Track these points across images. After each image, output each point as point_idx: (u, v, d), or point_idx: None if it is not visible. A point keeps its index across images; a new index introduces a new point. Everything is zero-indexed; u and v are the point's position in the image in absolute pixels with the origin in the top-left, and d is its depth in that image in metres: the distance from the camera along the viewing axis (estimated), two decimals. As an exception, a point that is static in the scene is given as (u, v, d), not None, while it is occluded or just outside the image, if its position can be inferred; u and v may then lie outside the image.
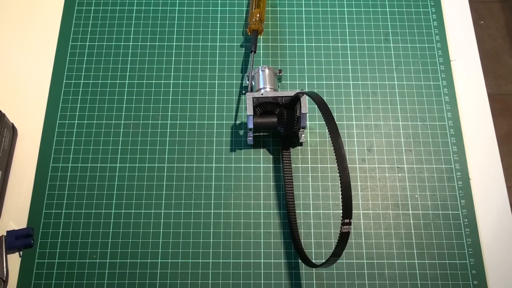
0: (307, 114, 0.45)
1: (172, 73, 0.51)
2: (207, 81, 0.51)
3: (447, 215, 0.45)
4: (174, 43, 0.53)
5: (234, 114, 0.49)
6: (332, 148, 0.35)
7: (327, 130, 0.43)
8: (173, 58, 0.52)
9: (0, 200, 0.45)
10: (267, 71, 0.47)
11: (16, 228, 0.44)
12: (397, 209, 0.46)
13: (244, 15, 0.54)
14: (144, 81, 0.51)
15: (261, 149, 0.48)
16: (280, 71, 0.48)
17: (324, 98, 0.47)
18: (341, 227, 0.34)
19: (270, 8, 0.55)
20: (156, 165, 0.47)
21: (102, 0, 0.55)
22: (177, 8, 0.55)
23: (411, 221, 0.45)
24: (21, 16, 0.54)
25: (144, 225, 0.45)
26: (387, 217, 0.45)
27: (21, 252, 0.44)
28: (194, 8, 0.55)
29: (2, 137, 0.45)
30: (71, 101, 0.50)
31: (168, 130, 0.49)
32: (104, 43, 0.53)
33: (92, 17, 0.54)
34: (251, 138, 0.47)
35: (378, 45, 0.53)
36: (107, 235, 0.44)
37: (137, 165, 0.47)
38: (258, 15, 0.51)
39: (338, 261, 0.37)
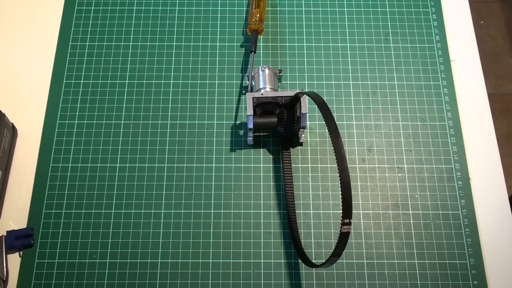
0: (307, 114, 0.45)
1: (172, 73, 0.51)
2: (207, 81, 0.51)
3: (447, 215, 0.45)
4: (174, 43, 0.53)
5: (234, 114, 0.49)
6: (332, 148, 0.35)
7: (327, 130, 0.43)
8: (173, 58, 0.52)
9: (0, 200, 0.45)
10: (267, 71, 0.47)
11: (16, 228, 0.44)
12: (397, 209, 0.46)
13: (244, 15, 0.54)
14: (144, 81, 0.51)
15: (261, 149, 0.48)
16: (280, 71, 0.48)
17: (324, 98, 0.47)
18: (341, 227, 0.34)
19: (270, 8, 0.55)
20: (156, 165, 0.47)
21: (102, 0, 0.55)
22: (177, 8, 0.55)
23: (411, 221, 0.45)
24: (21, 16, 0.54)
25: (144, 225, 0.45)
26: (387, 217, 0.45)
27: (21, 252, 0.44)
28: (194, 8, 0.55)
29: (2, 137, 0.45)
30: (71, 101, 0.50)
31: (168, 130, 0.49)
32: (104, 43, 0.53)
33: (92, 17, 0.54)
34: (251, 138, 0.47)
35: (378, 45, 0.53)
36: (107, 235, 0.44)
37: (137, 165, 0.47)
38: (258, 15, 0.51)
39: (338, 261, 0.37)
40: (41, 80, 0.51)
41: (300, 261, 0.43)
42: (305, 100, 0.44)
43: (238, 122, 0.49)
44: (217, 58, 0.52)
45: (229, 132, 0.49)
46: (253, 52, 0.49)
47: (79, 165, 0.47)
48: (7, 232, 0.44)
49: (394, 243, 0.44)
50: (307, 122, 0.47)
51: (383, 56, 0.52)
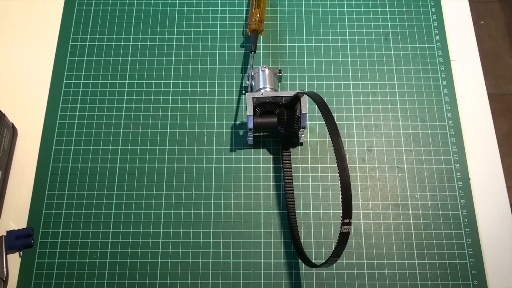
0: (307, 114, 0.45)
1: (172, 73, 0.51)
2: (207, 81, 0.51)
3: (447, 215, 0.45)
4: (174, 43, 0.53)
5: (234, 114, 0.49)
6: (332, 148, 0.35)
7: (327, 130, 0.43)
8: (173, 58, 0.52)
9: (0, 200, 0.45)
10: (267, 71, 0.47)
11: (16, 228, 0.44)
12: (397, 209, 0.46)
13: (244, 15, 0.54)
14: (144, 81, 0.51)
15: (261, 149, 0.48)
16: (280, 71, 0.48)
17: (324, 98, 0.47)
18: (341, 227, 0.34)
19: (270, 8, 0.55)
20: (156, 165, 0.47)
21: (102, 0, 0.55)
22: (177, 8, 0.55)
23: (411, 221, 0.45)
24: (21, 16, 0.54)
25: (144, 225, 0.45)
26: (387, 217, 0.45)
27: (21, 252, 0.44)
28: (194, 8, 0.55)
29: (2, 137, 0.45)
30: (71, 101, 0.50)
31: (168, 130, 0.49)
32: (104, 43, 0.53)
33: (92, 17, 0.54)
34: (251, 138, 0.47)
35: (378, 45, 0.53)
36: (107, 235, 0.44)
37: (137, 165, 0.47)
38: (258, 15, 0.51)
39: (338, 261, 0.37)
40: (41, 80, 0.51)
41: (300, 261, 0.43)
42: (305, 100, 0.44)
43: (238, 122, 0.49)
44: (217, 58, 0.52)
45: (229, 132, 0.49)
46: (253, 52, 0.49)
47: (79, 165, 0.47)
48: (7, 232, 0.44)
49: (394, 243, 0.44)
50: (307, 122, 0.47)
51: (383, 56, 0.52)
